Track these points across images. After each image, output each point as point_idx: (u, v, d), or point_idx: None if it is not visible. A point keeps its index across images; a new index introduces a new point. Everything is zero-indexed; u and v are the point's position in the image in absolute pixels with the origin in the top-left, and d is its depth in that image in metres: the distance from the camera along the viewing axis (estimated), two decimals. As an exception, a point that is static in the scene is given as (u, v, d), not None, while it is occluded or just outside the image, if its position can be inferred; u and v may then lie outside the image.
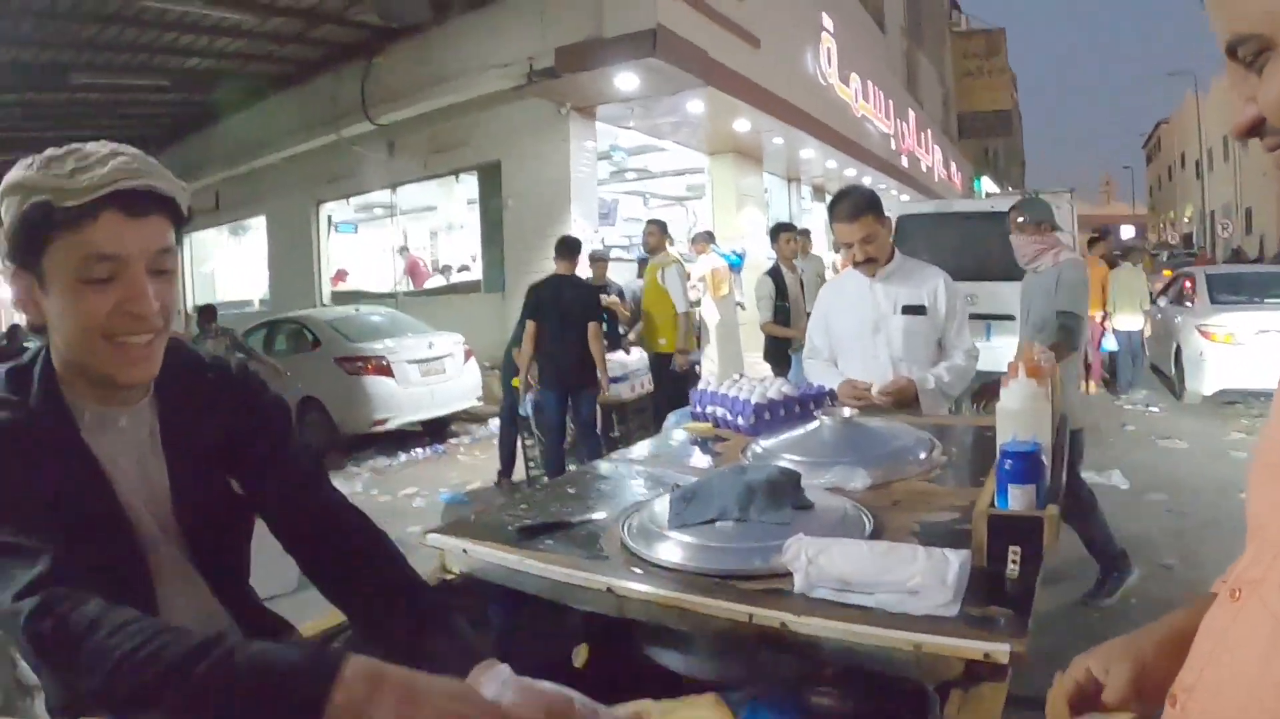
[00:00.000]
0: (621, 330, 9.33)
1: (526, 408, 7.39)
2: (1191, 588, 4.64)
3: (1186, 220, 51.26)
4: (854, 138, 17.80)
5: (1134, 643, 1.02)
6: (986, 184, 38.78)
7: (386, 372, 9.93)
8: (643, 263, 9.48)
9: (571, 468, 6.40)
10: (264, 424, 1.52)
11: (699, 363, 9.05)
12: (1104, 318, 11.60)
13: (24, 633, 1.09)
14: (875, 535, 1.72)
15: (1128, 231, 49.70)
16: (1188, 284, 11.66)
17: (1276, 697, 0.74)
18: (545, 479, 7.23)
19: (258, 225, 19.14)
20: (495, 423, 10.18)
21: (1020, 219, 4.60)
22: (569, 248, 7.39)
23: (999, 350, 8.74)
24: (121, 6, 11.18)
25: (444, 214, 16.40)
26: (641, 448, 3.01)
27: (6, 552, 1.14)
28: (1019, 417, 1.90)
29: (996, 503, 1.58)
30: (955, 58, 36.36)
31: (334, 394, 10.06)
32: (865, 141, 18.78)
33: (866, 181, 21.80)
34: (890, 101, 21.01)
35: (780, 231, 8.45)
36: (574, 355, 6.99)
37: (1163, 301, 12.57)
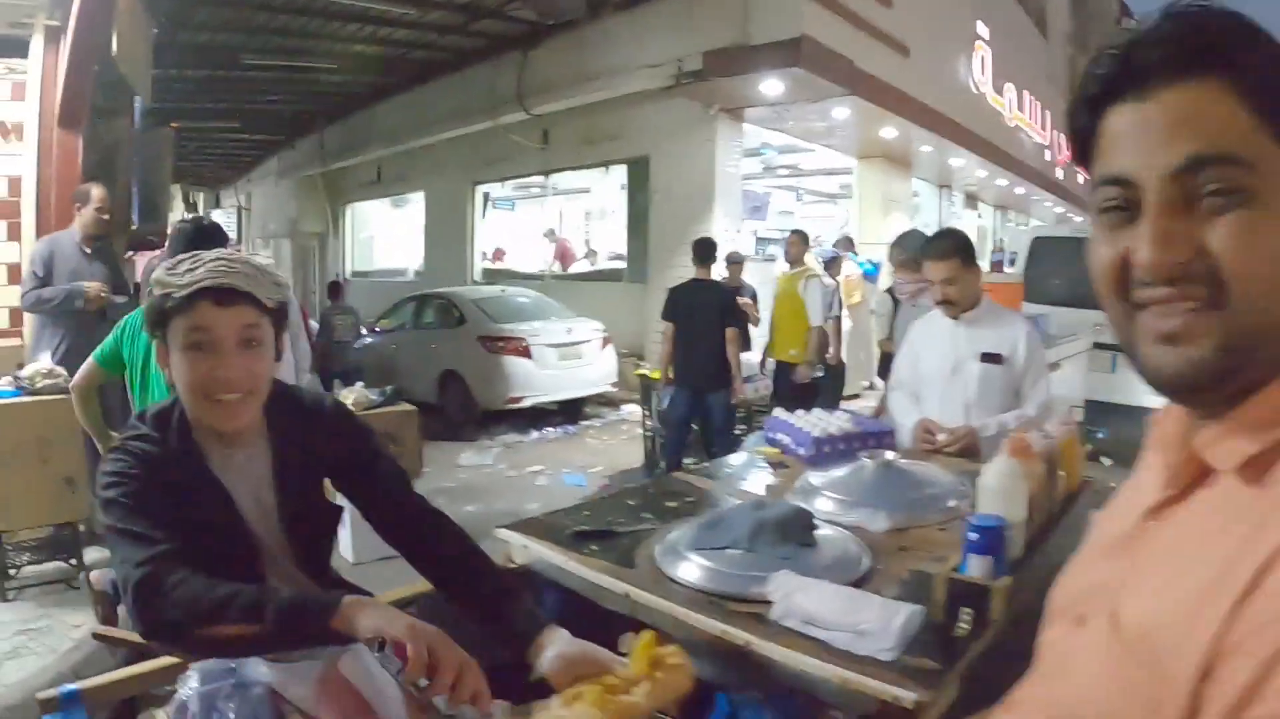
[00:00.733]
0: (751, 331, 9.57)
1: (662, 402, 7.71)
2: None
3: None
4: (1006, 148, 17.40)
5: None
6: None
7: (525, 353, 10.41)
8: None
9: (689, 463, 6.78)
10: (356, 446, 1.95)
11: (822, 378, 9.15)
12: None
13: (134, 589, 1.50)
14: (866, 577, 1.94)
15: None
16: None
17: None
18: (663, 468, 7.68)
19: (416, 199, 19.86)
20: (627, 408, 10.56)
21: (901, 258, 4.65)
22: (705, 251, 7.63)
23: (1127, 381, 8.69)
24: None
25: (598, 197, 16.82)
26: (715, 463, 3.30)
27: (134, 537, 1.57)
28: (995, 494, 2.02)
29: (960, 568, 1.76)
30: None
31: (474, 370, 10.64)
32: (1018, 152, 18.32)
33: (1018, 193, 21.29)
34: (1047, 112, 20.37)
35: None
36: (705, 357, 7.19)
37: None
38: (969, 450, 3.35)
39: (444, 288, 13.03)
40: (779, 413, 3.37)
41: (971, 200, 22.25)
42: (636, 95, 12.17)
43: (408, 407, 6.59)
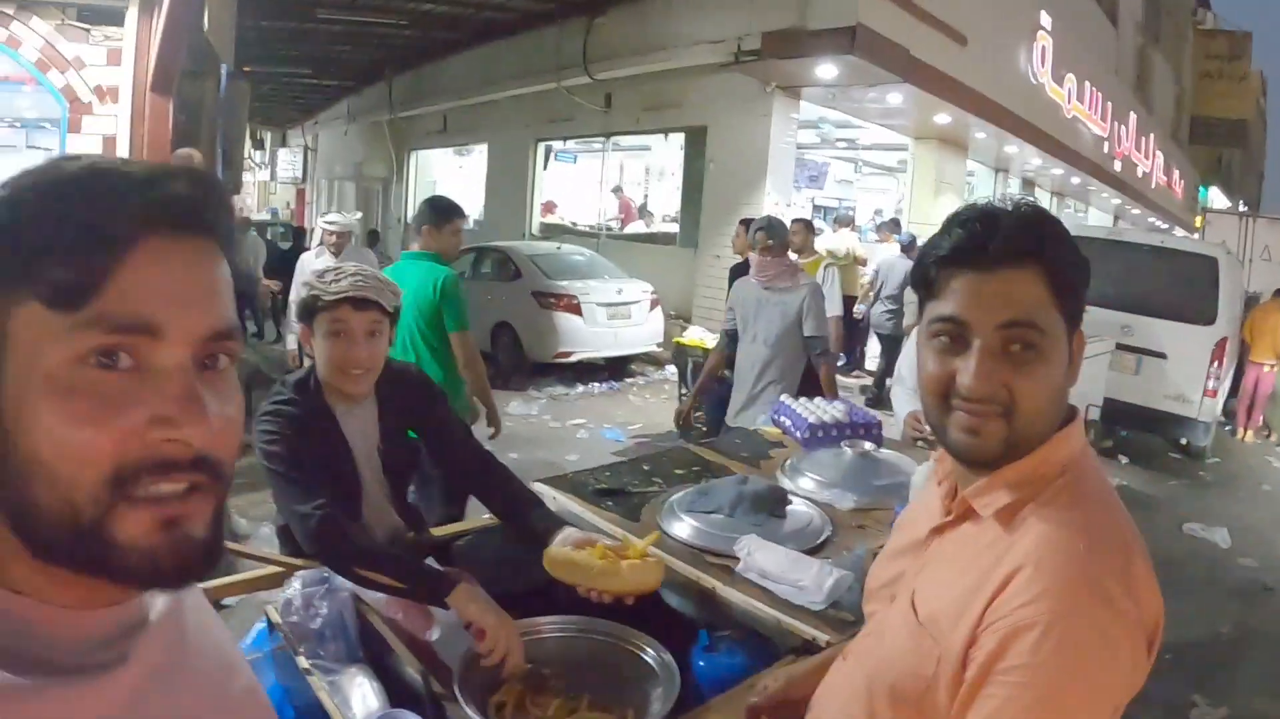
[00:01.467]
0: None
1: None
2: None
3: None
4: (1063, 138, 17.31)
5: (795, 667, 1.75)
6: (1214, 196, 36.13)
7: (576, 310, 10.87)
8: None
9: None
10: (432, 407, 2.61)
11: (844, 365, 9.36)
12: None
13: (315, 526, 2.11)
14: (822, 546, 2.44)
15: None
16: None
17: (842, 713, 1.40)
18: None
19: (480, 151, 20.30)
20: (670, 368, 10.92)
21: (770, 242, 4.82)
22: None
23: (1149, 384, 8.99)
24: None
25: (658, 156, 17.13)
26: (721, 437, 3.80)
27: (300, 482, 2.20)
28: (919, 488, 2.33)
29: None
30: (1195, 57, 33.61)
31: (526, 323, 11.13)
32: (1075, 143, 18.15)
33: (1075, 182, 21.08)
34: (1109, 103, 19.99)
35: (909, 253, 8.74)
36: None
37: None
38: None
39: (502, 242, 13.41)
40: (784, 398, 3.83)
41: (1028, 185, 22.08)
42: (697, 68, 12.45)
43: (464, 361, 7.15)
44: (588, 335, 11.00)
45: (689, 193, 13.97)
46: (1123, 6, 22.00)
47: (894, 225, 12.93)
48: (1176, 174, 29.39)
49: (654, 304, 11.71)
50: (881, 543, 2.39)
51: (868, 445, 3.16)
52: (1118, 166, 21.75)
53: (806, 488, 2.92)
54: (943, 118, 13.37)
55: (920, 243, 8.00)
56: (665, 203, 16.71)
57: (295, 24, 15.60)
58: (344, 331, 2.32)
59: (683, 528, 2.50)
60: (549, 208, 17.97)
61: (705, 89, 12.92)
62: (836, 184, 20.80)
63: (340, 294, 2.31)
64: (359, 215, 6.64)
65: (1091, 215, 26.79)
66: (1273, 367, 11.01)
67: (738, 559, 2.27)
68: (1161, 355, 9.01)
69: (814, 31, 10.23)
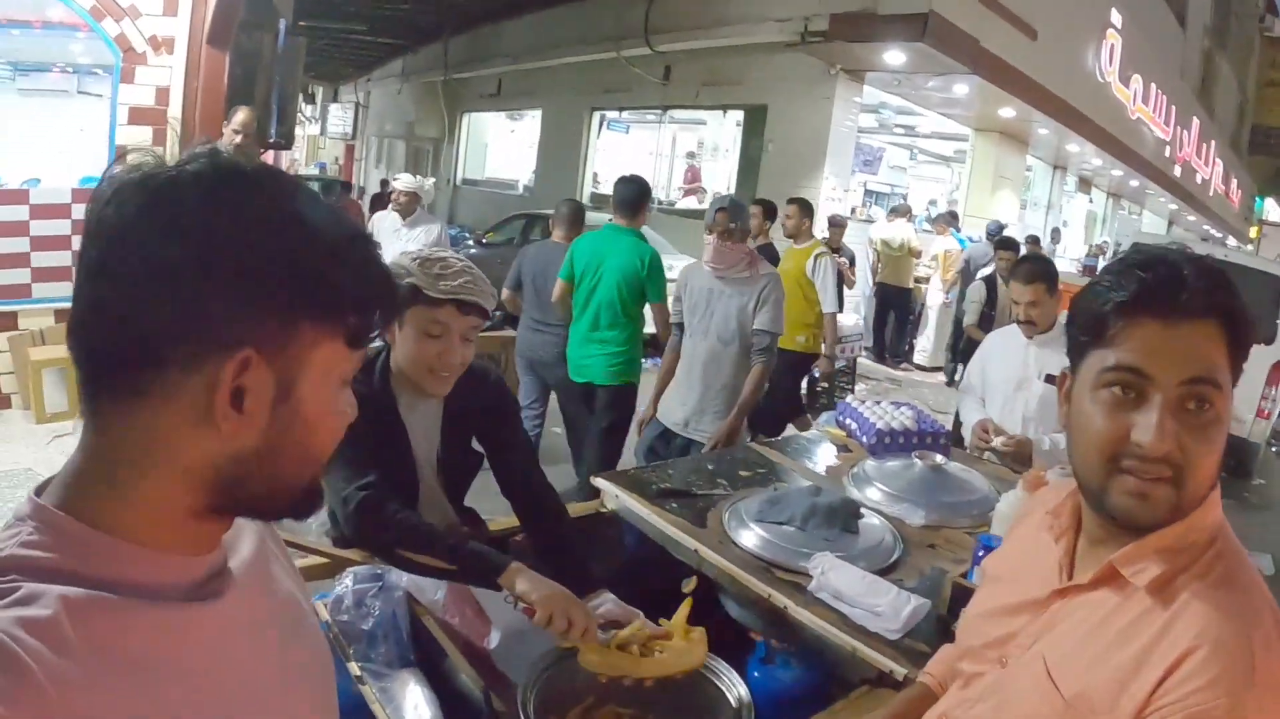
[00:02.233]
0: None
1: None
2: None
3: None
4: (1125, 140, 16.93)
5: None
6: (1270, 207, 35.36)
7: (622, 283, 10.67)
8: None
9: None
10: (503, 413, 2.50)
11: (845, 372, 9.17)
12: None
13: (354, 507, 2.05)
14: (894, 565, 2.33)
15: None
16: None
17: None
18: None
19: (534, 116, 20.16)
20: None
21: (732, 225, 4.36)
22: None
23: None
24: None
25: (712, 132, 16.96)
26: (787, 439, 3.69)
27: (350, 462, 2.08)
28: (1004, 519, 2.30)
29: (968, 574, 2.12)
30: (1261, 65, 32.59)
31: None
32: (1137, 145, 17.77)
33: (1133, 185, 20.73)
34: (1173, 107, 19.59)
35: (1000, 248, 8.48)
36: None
37: None
38: (1021, 457, 3.55)
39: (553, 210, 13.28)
40: (851, 399, 3.71)
41: (1085, 184, 21.80)
42: (760, 46, 12.19)
43: (511, 332, 7.08)
44: (632, 309, 10.79)
45: (745, 172, 13.76)
46: (1191, 8, 21.56)
47: (950, 218, 12.73)
48: (1234, 183, 28.92)
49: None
50: (952, 566, 2.32)
51: (938, 458, 3.03)
52: (1177, 172, 21.36)
53: (874, 499, 2.80)
54: (1007, 111, 13.09)
55: (948, 232, 7.73)
56: (718, 180, 16.53)
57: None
58: (441, 333, 2.19)
59: (750, 537, 2.40)
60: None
61: (767, 68, 12.69)
62: (890, 170, 20.63)
63: (448, 295, 2.17)
64: (432, 180, 6.56)
65: (1146, 219, 26.43)
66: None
67: (808, 576, 2.17)
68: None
69: (884, 16, 9.98)
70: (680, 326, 4.59)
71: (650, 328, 5.35)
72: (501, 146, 23.02)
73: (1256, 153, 33.55)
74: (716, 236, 4.30)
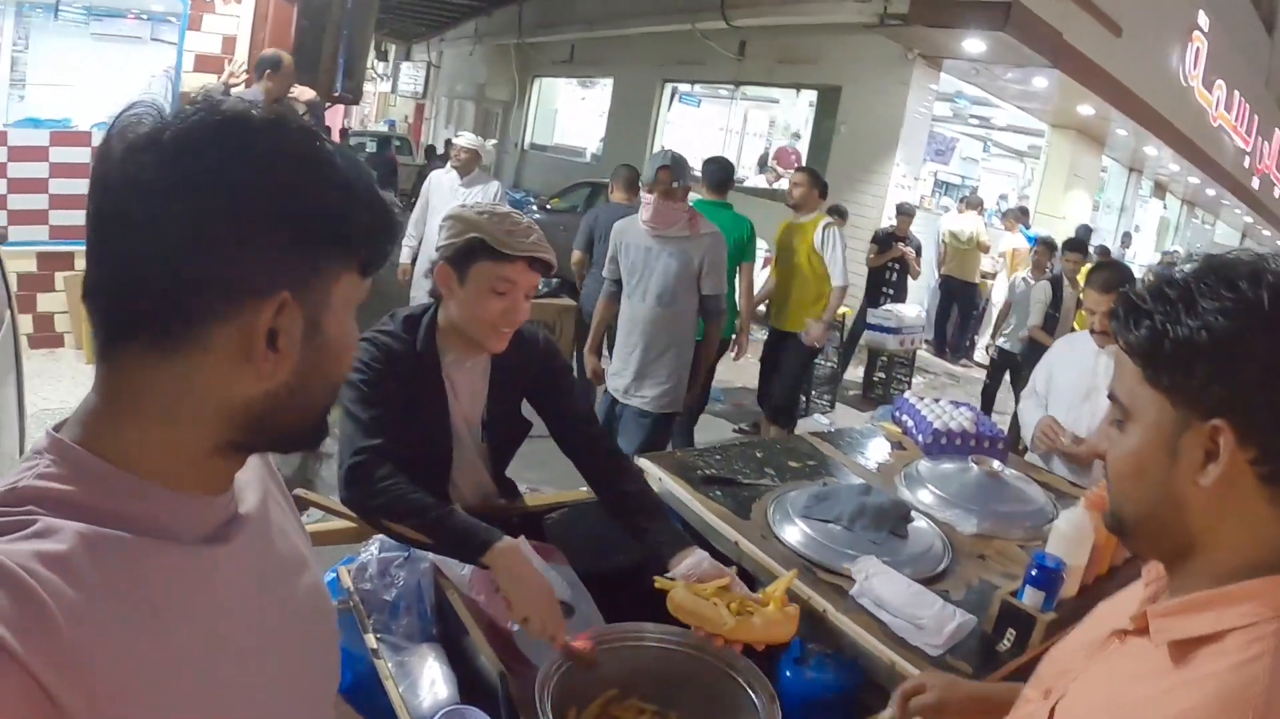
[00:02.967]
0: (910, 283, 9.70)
1: None
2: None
3: None
4: (1204, 147, 16.43)
5: (956, 685, 1.55)
6: None
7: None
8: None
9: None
10: (554, 376, 2.41)
11: (904, 363, 8.98)
12: None
13: (345, 471, 1.96)
14: (942, 575, 2.23)
15: None
16: None
17: None
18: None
19: (605, 84, 20.09)
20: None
21: (675, 184, 4.15)
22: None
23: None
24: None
25: (784, 111, 16.77)
26: (839, 431, 3.58)
27: (359, 423, 2.02)
28: (1063, 538, 2.16)
29: (1018, 593, 2.01)
30: None
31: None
32: (1216, 153, 17.23)
33: (1209, 194, 20.17)
34: (1256, 117, 18.90)
35: (1068, 249, 8.12)
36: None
37: None
38: (1089, 458, 3.42)
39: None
40: (909, 395, 3.59)
41: (1160, 190, 21.30)
42: (838, 26, 11.91)
43: (569, 302, 7.03)
44: (697, 286, 10.70)
45: (816, 153, 13.53)
46: (1281, 15, 20.86)
47: (1021, 214, 12.47)
48: (1314, 200, 27.83)
49: (767, 262, 11.38)
50: (1002, 582, 2.21)
51: (995, 464, 2.90)
52: (1255, 184, 20.65)
53: (926, 502, 2.69)
54: (1085, 108, 12.78)
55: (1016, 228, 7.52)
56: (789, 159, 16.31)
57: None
58: (509, 290, 2.15)
59: (794, 533, 2.31)
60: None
61: (843, 48, 12.49)
62: (962, 161, 20.25)
63: (522, 252, 2.13)
64: (493, 142, 6.52)
65: (1219, 230, 25.77)
66: None
67: (851, 579, 2.08)
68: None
69: (966, 2, 9.74)
70: (618, 283, 4.48)
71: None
72: (571, 113, 22.98)
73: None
74: (658, 195, 4.13)
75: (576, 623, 1.88)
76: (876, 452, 3.24)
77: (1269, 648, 0.94)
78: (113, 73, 6.50)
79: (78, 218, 5.72)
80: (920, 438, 3.30)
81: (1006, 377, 8.44)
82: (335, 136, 15.75)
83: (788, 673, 1.94)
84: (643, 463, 2.71)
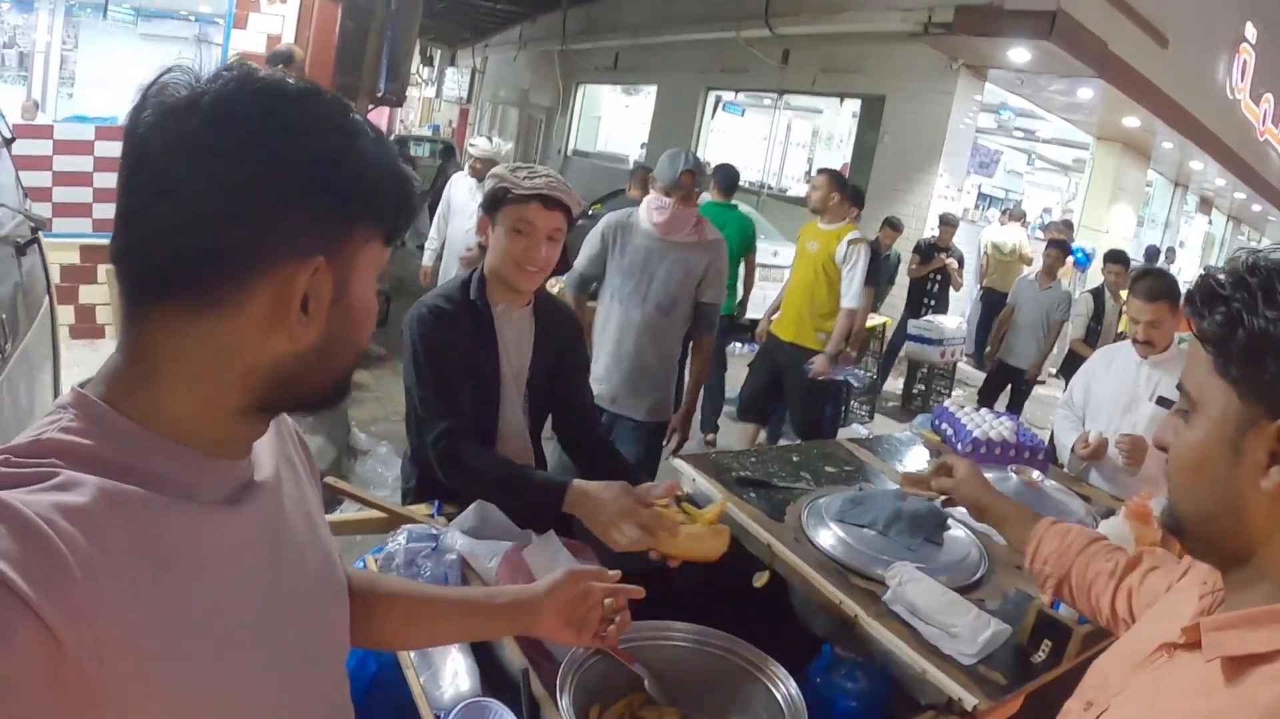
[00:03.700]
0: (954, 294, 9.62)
1: None
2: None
3: None
4: (1251, 161, 16.14)
5: (989, 491, 1.84)
6: None
7: (727, 263, 10.55)
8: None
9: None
10: (575, 356, 2.70)
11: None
12: None
13: (437, 458, 2.24)
14: (977, 584, 2.18)
15: None
16: None
17: None
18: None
19: (648, 91, 20.06)
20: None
21: (696, 189, 3.99)
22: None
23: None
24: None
25: (828, 121, 16.67)
26: (878, 438, 3.53)
27: (431, 406, 2.30)
28: None
29: (1052, 604, 1.95)
30: None
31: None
32: (1263, 168, 16.92)
33: (1255, 210, 19.82)
34: None
35: (1110, 261, 7.96)
36: None
37: None
38: (1137, 454, 3.34)
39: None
40: (949, 403, 3.53)
41: (1205, 205, 21.00)
42: (881, 35, 11.92)
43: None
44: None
45: (858, 163, 13.44)
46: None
47: (1065, 227, 12.31)
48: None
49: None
50: (1039, 593, 2.14)
51: (1035, 474, 2.85)
52: (1301, 200, 20.33)
53: (963, 512, 2.63)
54: (1131, 120, 12.61)
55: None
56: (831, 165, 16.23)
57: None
58: (528, 230, 2.36)
59: (828, 537, 2.27)
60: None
61: (887, 58, 12.40)
62: (1006, 174, 20.09)
63: (533, 191, 2.34)
64: (510, 145, 6.32)
65: (1265, 247, 25.26)
66: None
67: (885, 585, 2.03)
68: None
69: (1011, 11, 9.65)
70: (591, 280, 4.19)
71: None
72: (615, 120, 23.00)
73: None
74: (677, 200, 3.90)
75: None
76: (915, 459, 3.20)
77: None
78: (156, 72, 6.63)
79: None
80: (959, 446, 3.25)
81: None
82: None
83: (817, 679, 1.90)
84: (677, 463, 2.70)
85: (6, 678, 0.62)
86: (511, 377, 2.51)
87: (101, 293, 6.06)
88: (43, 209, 3.10)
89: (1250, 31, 14.69)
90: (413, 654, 1.73)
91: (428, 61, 30.03)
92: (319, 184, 0.81)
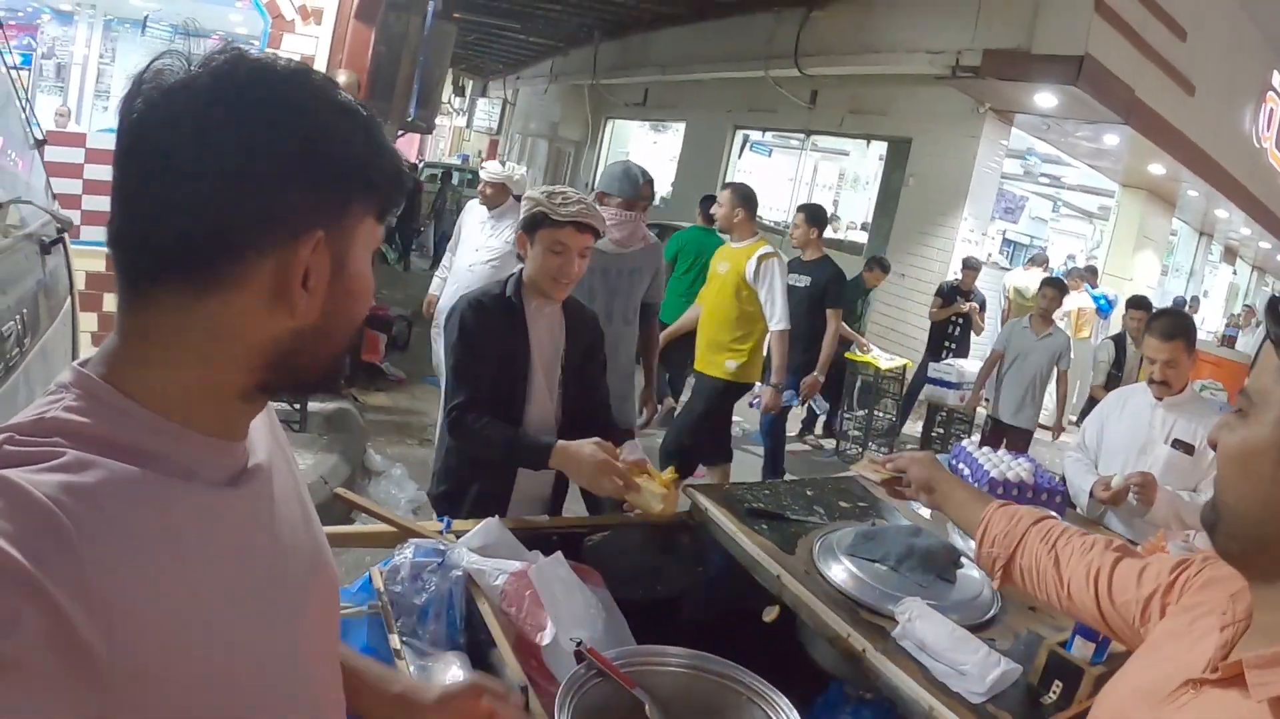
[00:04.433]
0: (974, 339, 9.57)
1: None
2: None
3: None
4: (1277, 211, 16.09)
5: (941, 472, 1.91)
6: None
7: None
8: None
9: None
10: (596, 342, 2.99)
11: (963, 419, 8.66)
12: None
13: (449, 423, 2.63)
14: (989, 623, 2.15)
15: None
16: None
17: None
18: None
19: (676, 128, 20.26)
20: None
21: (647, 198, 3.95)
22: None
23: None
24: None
25: (854, 162, 16.71)
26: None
27: (457, 382, 2.66)
28: None
29: (1067, 644, 1.93)
30: None
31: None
32: None
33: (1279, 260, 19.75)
34: None
35: (1132, 307, 8.05)
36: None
37: None
38: (1147, 494, 3.32)
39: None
40: (967, 443, 3.50)
41: (1230, 255, 20.92)
42: (909, 77, 12.00)
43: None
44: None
45: (884, 204, 13.51)
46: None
47: (1089, 273, 12.26)
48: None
49: (831, 316, 11.32)
50: (1050, 633, 2.12)
51: (1052, 515, 2.81)
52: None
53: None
54: (1156, 168, 12.58)
55: (1081, 287, 7.14)
56: (854, 211, 16.25)
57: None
58: (563, 250, 2.67)
59: (840, 572, 2.24)
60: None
61: (914, 100, 12.49)
62: (1031, 220, 20.07)
63: (569, 218, 2.65)
64: (524, 170, 6.01)
65: (1289, 299, 25.17)
66: None
67: (894, 621, 2.01)
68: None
69: (1039, 56, 9.70)
70: None
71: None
72: (642, 156, 23.05)
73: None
74: (640, 211, 3.90)
75: (606, 643, 1.83)
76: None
77: None
78: (152, 58, 6.80)
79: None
80: (976, 487, 3.20)
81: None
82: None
83: (824, 715, 1.88)
84: (690, 493, 2.69)
85: (16, 659, 0.62)
86: (542, 367, 2.78)
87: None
88: (72, 216, 3.14)
89: (1277, 80, 14.66)
90: (412, 668, 1.72)
91: (459, 91, 30.33)
92: (315, 159, 0.82)
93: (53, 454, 0.72)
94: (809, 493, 2.90)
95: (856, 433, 8.60)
